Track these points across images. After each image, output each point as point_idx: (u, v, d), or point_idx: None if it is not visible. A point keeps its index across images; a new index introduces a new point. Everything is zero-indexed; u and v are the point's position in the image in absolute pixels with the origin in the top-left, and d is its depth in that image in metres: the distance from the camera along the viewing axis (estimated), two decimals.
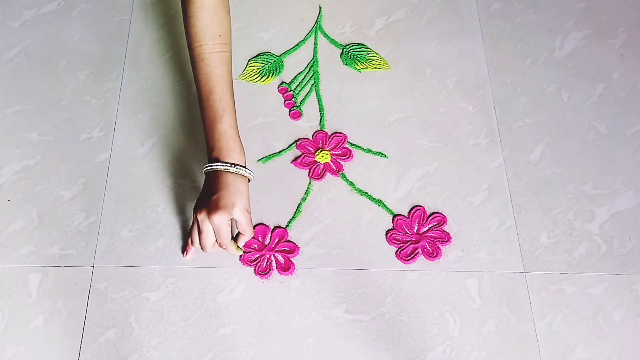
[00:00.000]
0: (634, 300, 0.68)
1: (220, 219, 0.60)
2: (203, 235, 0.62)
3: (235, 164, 0.63)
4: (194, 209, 0.63)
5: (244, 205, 0.62)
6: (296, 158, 0.76)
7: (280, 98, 0.81)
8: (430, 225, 0.72)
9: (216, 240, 0.63)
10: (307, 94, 0.81)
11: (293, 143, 0.77)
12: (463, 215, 0.72)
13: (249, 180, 0.65)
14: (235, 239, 0.66)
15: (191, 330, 0.66)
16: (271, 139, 0.78)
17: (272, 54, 0.84)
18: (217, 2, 0.67)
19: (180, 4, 0.69)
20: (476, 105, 0.80)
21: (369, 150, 0.77)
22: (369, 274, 0.69)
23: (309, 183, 0.75)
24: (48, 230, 0.72)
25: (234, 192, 0.62)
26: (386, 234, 0.71)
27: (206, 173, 0.65)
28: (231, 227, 0.63)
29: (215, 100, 0.65)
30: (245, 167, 0.64)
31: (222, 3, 0.67)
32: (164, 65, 0.83)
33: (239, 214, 0.62)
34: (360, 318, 0.67)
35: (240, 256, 0.69)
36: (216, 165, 0.62)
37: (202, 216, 0.61)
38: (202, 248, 0.64)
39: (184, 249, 0.70)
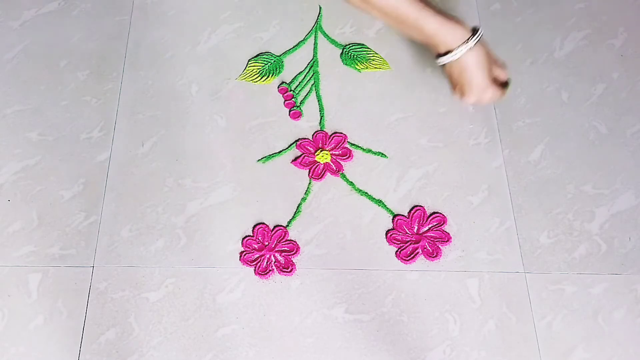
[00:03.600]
0: (634, 300, 0.68)
1: (493, 92, 0.64)
2: (483, 103, 0.66)
3: (466, 40, 0.62)
4: (459, 95, 0.66)
5: (492, 65, 0.64)
6: (296, 158, 0.76)
7: (280, 98, 0.81)
8: (430, 225, 0.72)
9: None
10: (307, 94, 0.81)
11: (293, 143, 0.77)
12: (463, 215, 0.72)
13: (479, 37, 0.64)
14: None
15: (191, 330, 0.66)
16: (271, 139, 0.78)
17: (272, 54, 0.84)
18: None
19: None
20: (476, 105, 0.80)
21: (369, 150, 0.77)
22: (369, 274, 0.69)
23: (309, 183, 0.75)
24: (48, 230, 0.72)
25: (484, 63, 0.63)
26: (386, 234, 0.71)
27: (446, 65, 0.65)
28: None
29: (406, 9, 0.64)
30: (472, 33, 0.62)
31: None
32: (164, 65, 0.83)
33: (495, 70, 0.65)
34: (360, 318, 0.67)
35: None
36: (454, 55, 0.63)
37: (474, 99, 0.65)
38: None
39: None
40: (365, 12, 0.67)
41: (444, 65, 0.65)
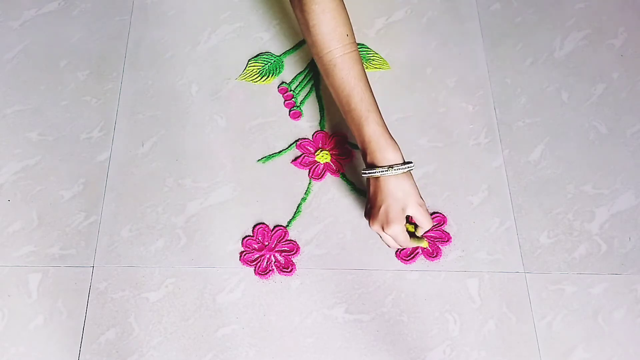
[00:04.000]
0: (634, 300, 0.68)
1: (394, 231, 0.60)
2: (385, 242, 0.63)
3: (392, 166, 0.60)
4: (366, 216, 0.62)
5: (414, 202, 0.60)
6: (296, 158, 0.76)
7: (280, 98, 0.81)
8: None
9: None
10: (307, 94, 0.81)
11: (293, 143, 0.77)
12: (463, 215, 0.72)
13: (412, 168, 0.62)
14: (414, 231, 0.66)
15: (191, 330, 0.66)
16: (271, 139, 0.78)
17: (272, 54, 0.84)
18: (336, 2, 0.64)
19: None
20: (476, 105, 0.80)
21: None
22: (369, 274, 0.69)
23: (309, 183, 0.75)
24: (48, 230, 0.72)
25: (402, 196, 0.60)
26: None
27: (366, 178, 0.63)
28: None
29: (356, 103, 0.62)
30: (403, 162, 0.61)
31: (340, 1, 0.65)
32: (164, 65, 0.83)
33: (412, 212, 0.60)
34: (360, 318, 0.67)
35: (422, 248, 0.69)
36: (373, 172, 0.60)
37: (376, 228, 0.61)
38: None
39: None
40: (324, 74, 0.66)
41: (367, 178, 0.63)
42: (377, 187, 0.61)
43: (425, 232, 0.65)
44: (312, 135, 0.78)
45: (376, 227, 0.61)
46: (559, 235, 0.71)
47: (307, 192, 0.74)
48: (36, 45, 0.85)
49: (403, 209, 0.60)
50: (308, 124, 0.79)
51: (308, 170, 0.75)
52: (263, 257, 0.70)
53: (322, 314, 0.67)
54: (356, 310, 0.67)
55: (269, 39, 0.85)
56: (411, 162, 0.61)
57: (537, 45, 0.85)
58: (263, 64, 0.83)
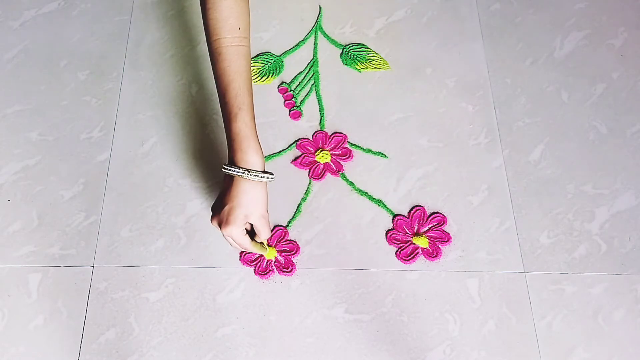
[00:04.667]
0: (634, 300, 0.68)
1: (231, 232, 0.59)
2: (227, 239, 0.62)
3: (250, 170, 0.59)
4: (212, 209, 0.62)
5: (258, 213, 0.60)
6: (296, 158, 0.76)
7: (280, 98, 0.81)
8: (430, 225, 0.72)
9: None
10: (307, 94, 0.81)
11: (293, 143, 0.77)
12: (463, 215, 0.72)
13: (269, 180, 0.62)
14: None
15: (191, 330, 0.66)
16: (271, 139, 0.78)
17: (272, 54, 0.84)
18: None
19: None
20: (476, 105, 0.80)
21: (369, 150, 0.77)
22: (369, 274, 0.69)
23: (309, 183, 0.75)
24: (48, 230, 0.72)
25: (248, 203, 0.59)
26: (386, 234, 0.71)
27: (224, 174, 0.63)
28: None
29: (231, 97, 0.62)
30: (262, 171, 0.60)
31: None
32: (164, 65, 0.83)
33: (254, 220, 0.60)
34: (360, 318, 0.67)
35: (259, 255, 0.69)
36: (231, 170, 0.59)
37: (214, 224, 0.61)
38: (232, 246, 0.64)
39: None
40: (210, 60, 0.65)
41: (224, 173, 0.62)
42: (229, 186, 0.60)
43: (269, 242, 0.66)
44: (312, 135, 0.78)
45: (214, 223, 0.61)
46: (559, 235, 0.71)
47: (307, 192, 0.74)
48: (36, 45, 0.85)
49: (246, 215, 0.59)
50: (308, 124, 0.79)
51: (308, 170, 0.75)
52: (263, 257, 0.70)
53: (322, 314, 0.67)
54: (356, 310, 0.67)
55: (269, 39, 0.85)
56: (271, 174, 0.60)
57: (537, 45, 0.85)
58: (263, 64, 0.83)
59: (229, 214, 0.59)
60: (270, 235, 0.63)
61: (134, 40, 0.85)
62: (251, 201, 0.59)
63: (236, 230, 0.59)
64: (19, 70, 0.83)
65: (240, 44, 0.63)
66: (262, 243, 0.65)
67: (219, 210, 0.60)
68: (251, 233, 0.64)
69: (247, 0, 0.65)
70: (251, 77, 0.64)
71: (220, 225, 0.60)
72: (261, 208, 0.60)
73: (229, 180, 0.60)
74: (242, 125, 0.61)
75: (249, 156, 0.60)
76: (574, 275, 0.69)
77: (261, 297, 0.68)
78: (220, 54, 0.63)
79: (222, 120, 0.63)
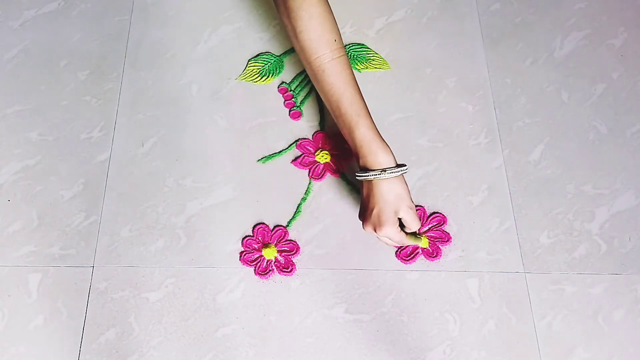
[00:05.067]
0: (634, 300, 0.68)
1: (387, 232, 0.61)
2: (383, 241, 0.64)
3: (385, 169, 0.60)
4: (360, 217, 0.63)
5: (405, 206, 0.61)
6: (296, 158, 0.76)
7: (280, 98, 0.81)
8: (430, 225, 0.72)
9: None
10: (307, 94, 0.81)
11: (293, 143, 0.77)
12: (463, 215, 0.72)
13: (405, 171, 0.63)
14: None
15: (191, 330, 0.66)
16: (271, 139, 0.78)
17: (272, 54, 0.84)
18: (323, 8, 0.64)
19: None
20: (476, 105, 0.80)
21: None
22: (369, 274, 0.69)
23: (309, 183, 0.75)
24: (48, 230, 0.72)
25: (393, 200, 0.60)
26: None
27: (360, 182, 0.64)
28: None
29: (346, 108, 0.63)
30: (395, 165, 0.61)
31: (326, 6, 0.65)
32: (164, 65, 0.83)
33: (403, 214, 0.61)
34: (360, 318, 0.67)
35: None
36: (367, 175, 0.61)
37: (369, 230, 0.62)
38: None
39: None
40: (313, 79, 0.67)
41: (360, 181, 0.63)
42: (370, 190, 0.62)
43: (420, 231, 0.66)
44: (312, 135, 0.78)
45: (369, 229, 0.62)
46: (559, 235, 0.71)
47: (307, 192, 0.74)
48: (36, 45, 0.85)
49: (395, 212, 0.61)
50: (308, 124, 0.79)
51: (308, 170, 0.75)
52: (263, 257, 0.70)
53: (322, 314, 0.67)
54: (356, 310, 0.67)
55: (269, 39, 0.85)
56: (404, 165, 0.62)
57: (537, 45, 0.85)
58: (263, 64, 0.83)
59: (379, 216, 0.60)
60: (420, 225, 0.64)
61: (134, 40, 0.85)
62: (396, 197, 0.61)
63: (391, 229, 0.61)
64: (19, 70, 0.83)
65: (339, 55, 0.65)
66: (414, 233, 0.66)
67: (368, 216, 0.61)
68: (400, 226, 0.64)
69: (331, 10, 0.66)
70: (357, 82, 0.65)
71: (375, 229, 0.61)
72: (407, 201, 0.61)
73: (367, 185, 0.62)
74: (364, 130, 0.62)
75: (380, 157, 0.61)
76: (574, 275, 0.69)
77: (261, 297, 0.68)
78: (324, 71, 0.64)
79: (342, 132, 0.65)
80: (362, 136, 0.62)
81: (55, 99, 0.80)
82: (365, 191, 0.63)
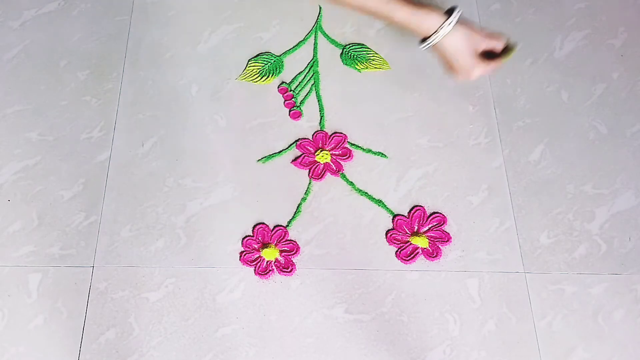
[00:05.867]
0: (634, 300, 0.68)
1: (478, 75, 0.62)
2: (474, 79, 0.64)
3: (437, 31, 0.62)
4: (453, 77, 0.64)
5: (478, 39, 0.63)
6: (296, 158, 0.76)
7: (280, 98, 0.81)
8: (430, 225, 0.72)
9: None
10: (307, 94, 0.81)
11: (293, 143, 0.77)
12: (463, 215, 0.72)
13: (458, 16, 0.63)
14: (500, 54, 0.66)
15: (191, 330, 0.66)
16: (271, 139, 0.78)
17: (272, 54, 0.84)
18: None
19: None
20: (476, 105, 0.80)
21: (369, 150, 0.77)
22: (369, 274, 0.69)
23: (309, 183, 0.75)
24: (48, 230, 0.72)
25: (464, 44, 0.62)
26: (386, 234, 0.71)
27: (429, 49, 0.65)
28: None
29: (375, 2, 0.64)
30: (446, 17, 0.62)
31: None
32: (164, 65, 0.83)
33: (482, 46, 0.63)
34: (360, 318, 0.67)
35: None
36: (430, 41, 0.62)
37: (463, 79, 0.63)
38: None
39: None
40: (337, 5, 0.67)
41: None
42: (443, 50, 0.63)
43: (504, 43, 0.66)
44: (312, 135, 0.78)
45: (461, 77, 0.64)
46: (559, 235, 0.71)
47: (307, 192, 0.74)
48: (36, 45, 0.85)
49: (475, 50, 0.62)
50: (308, 124, 0.79)
51: (308, 170, 0.75)
52: (263, 257, 0.70)
53: (322, 314, 0.67)
54: (356, 310, 0.67)
55: (269, 39, 0.85)
56: (454, 9, 0.62)
57: (537, 45, 0.85)
58: (263, 64, 0.83)
59: (464, 65, 0.62)
60: (501, 37, 0.65)
61: (134, 40, 0.85)
62: (465, 41, 0.62)
63: (479, 70, 0.62)
64: (19, 70, 0.83)
65: None
66: (504, 51, 0.65)
67: (456, 71, 0.63)
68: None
69: None
70: None
71: (469, 77, 0.63)
72: (476, 36, 0.63)
73: (438, 48, 0.63)
74: (400, 11, 0.63)
75: (428, 21, 0.62)
76: (574, 275, 0.69)
77: (261, 297, 0.68)
78: None
79: (388, 22, 0.65)
80: (402, 15, 0.63)
81: (55, 99, 0.80)
82: (440, 53, 0.64)
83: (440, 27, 0.62)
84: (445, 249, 0.70)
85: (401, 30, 0.66)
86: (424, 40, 0.63)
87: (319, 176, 0.75)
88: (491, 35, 0.64)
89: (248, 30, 0.86)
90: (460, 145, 0.77)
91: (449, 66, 0.64)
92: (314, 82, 0.82)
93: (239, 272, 0.69)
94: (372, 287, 0.68)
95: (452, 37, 0.62)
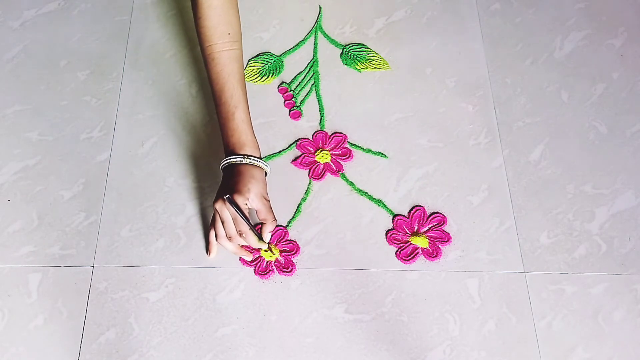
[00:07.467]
0: (634, 300, 0.68)
1: (237, 201, 0.61)
2: (225, 225, 0.63)
3: (248, 156, 0.64)
4: (214, 202, 0.64)
5: (259, 191, 0.63)
6: (296, 158, 0.76)
7: (280, 98, 0.81)
8: (430, 225, 0.72)
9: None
10: (307, 94, 0.81)
11: (293, 143, 0.77)
12: (463, 215, 0.72)
13: (266, 173, 0.66)
14: (258, 232, 0.66)
15: (191, 330, 0.66)
16: (271, 139, 0.78)
17: (272, 54, 0.84)
18: (225, 2, 0.67)
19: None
20: (476, 105, 0.80)
21: (369, 150, 0.77)
22: (369, 274, 0.69)
23: (309, 183, 0.75)
24: (48, 230, 0.72)
25: (249, 179, 0.63)
26: (386, 234, 0.71)
27: (223, 169, 0.66)
28: (251, 216, 0.64)
29: (227, 98, 0.66)
30: (259, 158, 0.65)
31: (230, 2, 0.68)
32: (164, 65, 0.83)
33: (255, 200, 0.63)
34: (360, 318, 0.67)
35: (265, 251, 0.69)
36: (230, 159, 0.64)
37: (219, 205, 0.62)
38: (227, 238, 0.64)
39: (206, 248, 0.70)
40: (204, 66, 0.70)
41: (224, 168, 0.66)
42: (229, 173, 0.64)
43: (269, 235, 0.66)
44: (312, 135, 0.78)
45: (220, 203, 0.62)
46: (559, 235, 0.71)
47: (307, 192, 0.74)
48: (36, 45, 0.85)
49: (249, 189, 0.62)
50: (308, 124, 0.79)
51: (308, 170, 0.75)
52: (263, 257, 0.70)
53: (322, 314, 0.67)
54: (356, 310, 0.67)
55: (269, 39, 0.85)
56: (267, 165, 0.66)
57: (537, 45, 0.85)
58: (263, 64, 0.83)
59: (233, 186, 0.62)
60: (275, 221, 0.66)
61: (134, 40, 0.85)
62: (252, 179, 0.63)
63: (241, 200, 0.62)
64: (19, 70, 0.83)
65: (231, 48, 0.68)
66: (262, 235, 0.65)
67: (222, 190, 0.63)
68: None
69: (236, 7, 0.69)
70: (244, 78, 0.69)
71: (220, 200, 0.62)
72: (261, 187, 0.64)
73: (228, 169, 0.64)
74: (239, 122, 0.66)
75: (249, 148, 0.65)
76: (574, 275, 0.69)
77: (261, 297, 0.68)
78: (213, 59, 0.67)
79: (219, 122, 0.67)
80: (235, 126, 0.65)
81: (55, 99, 0.80)
82: (226, 175, 0.65)
83: (255, 156, 0.64)
84: (445, 249, 0.70)
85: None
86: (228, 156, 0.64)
87: (319, 176, 0.75)
88: (269, 211, 0.64)
89: (248, 30, 0.86)
90: (460, 145, 0.77)
91: (222, 191, 0.63)
92: (314, 82, 0.82)
93: (239, 272, 0.69)
94: (372, 287, 0.68)
95: (249, 167, 0.63)
